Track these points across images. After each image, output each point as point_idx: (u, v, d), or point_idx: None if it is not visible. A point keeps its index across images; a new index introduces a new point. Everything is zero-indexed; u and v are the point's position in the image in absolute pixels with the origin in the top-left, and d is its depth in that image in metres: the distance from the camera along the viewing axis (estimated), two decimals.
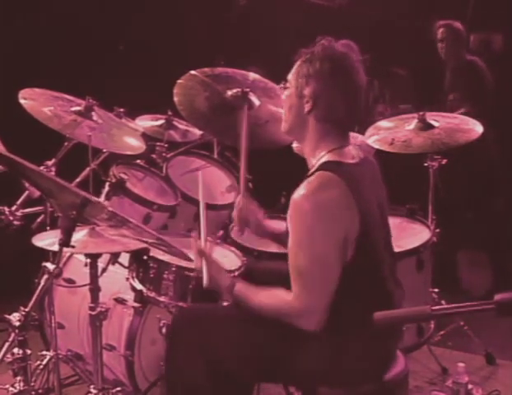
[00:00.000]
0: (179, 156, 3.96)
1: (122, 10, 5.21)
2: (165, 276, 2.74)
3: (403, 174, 4.35)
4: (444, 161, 3.87)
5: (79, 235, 2.62)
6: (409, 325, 3.37)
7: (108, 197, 3.33)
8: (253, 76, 3.76)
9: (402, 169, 4.21)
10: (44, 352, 3.20)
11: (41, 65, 4.66)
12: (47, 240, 2.64)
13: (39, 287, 2.33)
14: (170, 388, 2.58)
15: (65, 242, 2.30)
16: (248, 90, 3.56)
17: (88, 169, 3.30)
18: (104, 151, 3.47)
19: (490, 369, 3.92)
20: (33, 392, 2.60)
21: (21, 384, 2.38)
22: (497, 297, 1.49)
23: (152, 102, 4.17)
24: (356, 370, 2.38)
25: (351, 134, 2.53)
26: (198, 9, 5.39)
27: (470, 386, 2.99)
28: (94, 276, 2.77)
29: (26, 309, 2.33)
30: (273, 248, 3.32)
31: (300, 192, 2.32)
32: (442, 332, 4.01)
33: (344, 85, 2.37)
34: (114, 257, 2.90)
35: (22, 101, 3.16)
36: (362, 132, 3.70)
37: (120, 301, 3.14)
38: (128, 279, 2.87)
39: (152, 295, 2.76)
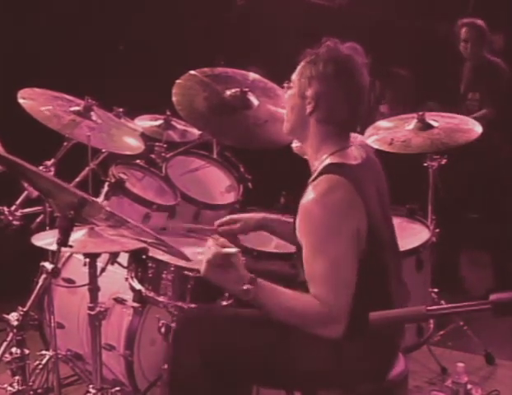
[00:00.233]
0: (178, 156, 3.96)
1: (122, 10, 5.21)
2: (163, 275, 2.73)
3: (403, 174, 4.34)
4: (443, 161, 3.87)
5: (78, 235, 2.62)
6: (409, 325, 3.37)
7: (107, 197, 3.33)
8: (253, 76, 3.77)
9: (401, 170, 4.21)
10: (44, 352, 3.20)
11: (41, 65, 4.65)
12: (46, 240, 2.64)
13: (38, 287, 2.33)
14: (173, 389, 2.58)
15: (63, 242, 2.30)
16: (247, 89, 3.57)
17: (87, 169, 3.30)
18: (104, 150, 3.47)
19: (489, 369, 3.93)
20: (32, 392, 2.60)
21: (20, 384, 2.38)
22: (493, 297, 1.49)
23: (151, 102, 4.17)
24: (357, 371, 2.37)
25: (352, 134, 2.53)
26: (198, 9, 5.39)
27: (469, 386, 2.99)
28: (93, 276, 2.77)
29: (24, 309, 2.33)
30: (273, 248, 3.33)
31: (308, 197, 2.32)
32: (442, 332, 4.01)
33: (347, 88, 2.37)
34: (113, 257, 2.90)
35: (21, 101, 3.16)
36: (362, 132, 3.70)
37: (119, 301, 3.14)
38: (127, 279, 2.87)
39: (151, 294, 2.75)
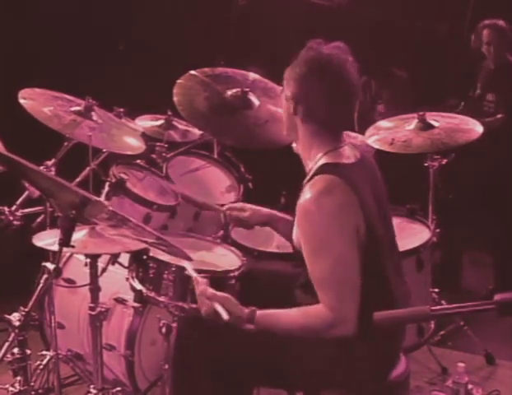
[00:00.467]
0: (178, 156, 3.96)
1: (122, 10, 5.21)
2: (164, 276, 2.73)
3: (403, 174, 4.35)
4: (444, 161, 3.88)
5: (79, 235, 2.62)
6: (409, 325, 3.37)
7: (108, 197, 3.33)
8: (253, 76, 3.77)
9: (402, 170, 4.22)
10: (44, 352, 3.20)
11: (41, 65, 4.65)
12: (47, 240, 2.64)
13: (39, 287, 2.33)
14: (176, 389, 2.58)
15: (65, 242, 2.30)
16: (247, 89, 3.57)
17: (88, 169, 3.31)
18: (104, 150, 3.47)
19: (489, 369, 3.93)
20: (33, 392, 2.61)
21: (21, 384, 2.38)
22: (497, 297, 1.49)
23: (152, 102, 4.17)
24: (359, 371, 2.37)
25: (351, 134, 2.53)
26: (198, 9, 5.39)
27: (470, 386, 2.99)
28: (94, 276, 2.77)
29: (26, 309, 2.33)
30: (273, 248, 3.33)
31: (305, 197, 2.33)
32: (442, 332, 4.02)
33: (324, 87, 2.37)
34: (114, 257, 2.91)
35: (22, 101, 3.16)
36: (362, 132, 3.70)
37: (120, 301, 3.14)
38: (127, 279, 2.87)
39: (152, 294, 2.75)
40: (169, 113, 4.01)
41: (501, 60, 4.84)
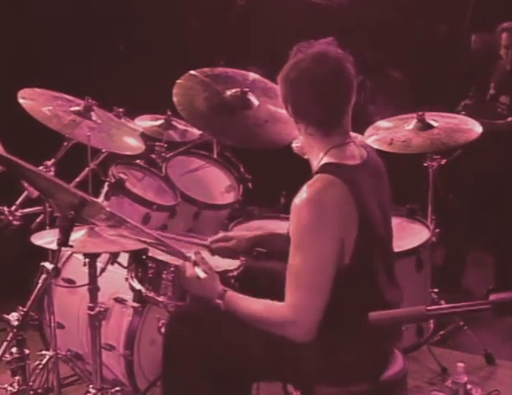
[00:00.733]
0: (178, 156, 3.96)
1: (122, 10, 5.21)
2: (163, 275, 2.74)
3: (403, 174, 4.35)
4: (443, 161, 3.88)
5: (78, 235, 2.62)
6: (409, 325, 3.37)
7: (107, 197, 3.33)
8: (253, 76, 3.77)
9: (401, 170, 4.21)
10: (44, 352, 3.20)
11: (41, 65, 4.65)
12: (46, 239, 2.64)
13: (38, 287, 2.33)
14: (168, 387, 2.58)
15: (63, 242, 2.30)
16: (247, 89, 3.57)
17: (87, 169, 3.30)
18: (104, 151, 3.47)
19: (489, 369, 3.92)
20: (32, 392, 2.61)
21: (20, 384, 2.39)
22: (492, 297, 1.49)
23: (152, 102, 4.17)
24: (351, 369, 2.38)
25: (351, 134, 2.52)
26: (198, 9, 5.39)
27: (469, 386, 2.98)
28: (93, 276, 2.77)
29: (25, 309, 2.33)
30: None
31: (301, 196, 2.33)
32: (442, 332, 4.01)
33: (308, 87, 2.37)
34: (113, 257, 2.91)
35: (21, 101, 3.17)
36: (361, 132, 3.69)
37: (119, 301, 3.14)
38: (127, 279, 2.87)
39: (151, 294, 2.76)
40: (169, 113, 4.01)
41: None
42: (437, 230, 3.76)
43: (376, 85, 5.64)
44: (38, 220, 3.33)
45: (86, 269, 2.77)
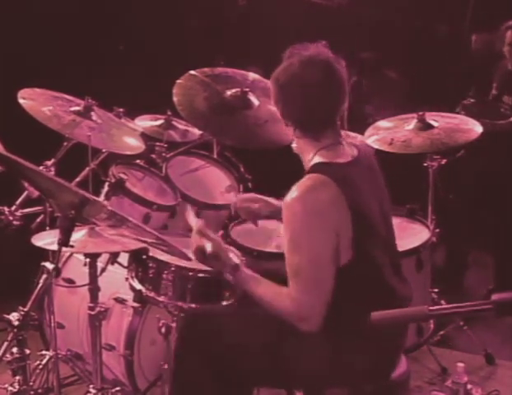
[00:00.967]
0: (178, 156, 3.96)
1: (122, 10, 5.21)
2: (164, 275, 2.74)
3: (403, 174, 4.35)
4: (443, 161, 3.88)
5: (78, 235, 2.62)
6: (409, 325, 3.37)
7: (107, 197, 3.33)
8: (252, 76, 3.77)
9: (401, 170, 4.22)
10: (44, 352, 3.19)
11: (41, 65, 4.65)
12: (46, 240, 2.64)
13: (38, 287, 2.33)
14: (175, 389, 2.58)
15: (64, 241, 2.30)
16: (247, 89, 3.57)
17: (87, 169, 3.30)
18: (104, 150, 3.47)
19: (489, 369, 3.92)
20: (32, 392, 2.61)
21: (20, 384, 2.39)
22: (495, 297, 1.50)
23: (152, 102, 4.17)
24: (359, 370, 2.38)
25: (351, 134, 2.53)
26: (198, 9, 5.39)
27: (469, 386, 2.99)
28: (93, 276, 2.77)
29: (25, 309, 2.33)
30: (272, 247, 3.34)
31: (291, 195, 2.34)
32: (442, 332, 4.01)
33: (295, 92, 2.40)
34: (114, 257, 2.91)
35: (21, 101, 3.16)
36: (358, 131, 3.69)
37: (120, 301, 3.14)
38: (127, 279, 2.87)
39: (151, 294, 2.76)
40: (169, 113, 4.01)
41: None
42: (437, 230, 3.76)
43: (373, 85, 5.64)
44: (38, 220, 3.33)
45: (86, 269, 2.77)
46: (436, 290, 3.84)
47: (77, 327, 3.25)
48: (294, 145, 3.55)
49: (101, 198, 3.34)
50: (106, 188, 3.37)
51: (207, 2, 5.40)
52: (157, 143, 3.86)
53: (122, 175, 3.37)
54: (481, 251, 5.16)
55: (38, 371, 3.13)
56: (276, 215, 2.84)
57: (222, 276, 2.50)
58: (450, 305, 1.57)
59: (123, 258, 2.91)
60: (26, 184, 3.21)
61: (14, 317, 2.33)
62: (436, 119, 3.73)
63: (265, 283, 2.42)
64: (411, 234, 3.63)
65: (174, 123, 4.10)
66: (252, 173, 4.04)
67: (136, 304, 3.02)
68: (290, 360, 2.40)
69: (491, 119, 4.08)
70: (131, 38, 5.29)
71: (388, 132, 3.72)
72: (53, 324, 3.10)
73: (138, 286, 2.79)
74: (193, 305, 2.68)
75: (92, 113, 3.32)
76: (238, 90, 3.58)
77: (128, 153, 3.46)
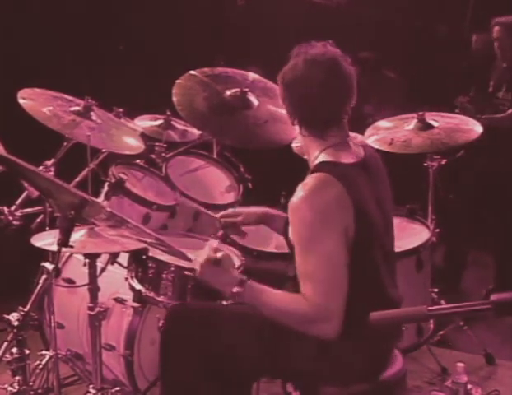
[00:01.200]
0: (178, 156, 3.96)
1: (122, 10, 5.21)
2: (163, 275, 2.74)
3: (403, 174, 4.35)
4: (443, 161, 3.88)
5: (78, 235, 2.62)
6: (409, 325, 3.37)
7: (107, 197, 3.33)
8: (252, 76, 3.77)
9: (401, 170, 4.22)
10: (44, 352, 3.19)
11: (41, 65, 4.66)
12: (46, 240, 2.64)
13: (38, 287, 2.33)
14: (166, 387, 2.58)
15: (63, 242, 2.30)
16: (247, 89, 3.57)
17: (87, 169, 3.31)
18: (104, 150, 3.47)
19: (489, 369, 3.92)
20: (32, 392, 2.61)
21: (20, 384, 2.39)
22: (493, 297, 1.50)
23: (151, 102, 4.17)
24: (352, 369, 2.38)
25: (350, 134, 2.53)
26: (198, 9, 5.39)
27: (469, 386, 2.99)
28: (93, 276, 2.77)
29: (25, 309, 2.33)
30: (272, 248, 3.34)
31: (297, 195, 2.33)
32: (441, 332, 4.01)
33: (300, 92, 2.40)
34: (113, 257, 2.91)
35: (21, 101, 3.17)
36: (358, 131, 3.69)
37: (119, 301, 3.14)
38: (127, 279, 2.87)
39: (151, 294, 2.76)
40: (169, 113, 4.01)
41: None
42: (437, 230, 3.76)
43: (372, 85, 5.64)
44: (38, 220, 3.33)
45: (86, 269, 2.77)
46: (436, 290, 3.83)
47: (77, 327, 3.25)
48: (294, 145, 3.58)
49: (101, 198, 3.34)
50: (106, 188, 3.37)
51: (207, 2, 5.41)
52: (157, 143, 3.86)
53: (122, 175, 3.37)
54: (481, 251, 5.17)
55: (38, 371, 3.13)
56: (262, 221, 2.85)
57: (226, 292, 2.41)
58: (450, 305, 1.57)
59: (123, 258, 2.91)
60: (26, 184, 3.21)
61: (14, 317, 2.33)
62: (436, 119, 3.73)
63: (277, 292, 2.38)
64: (411, 234, 3.63)
65: (173, 123, 4.10)
66: (252, 173, 4.04)
67: (136, 304, 3.01)
68: (284, 357, 2.39)
69: (483, 115, 4.08)
70: (131, 38, 5.29)
71: (388, 132, 3.72)
72: (52, 324, 3.10)
73: (138, 286, 2.79)
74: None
75: (92, 113, 3.32)
76: (238, 90, 3.58)
77: (128, 153, 3.46)
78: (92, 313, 2.77)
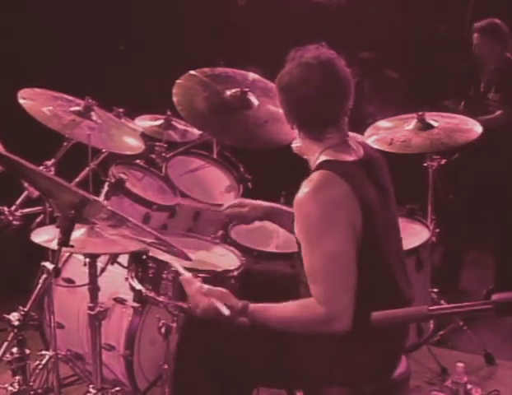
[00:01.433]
0: (178, 156, 3.96)
1: (122, 10, 5.21)
2: (164, 275, 2.73)
3: (403, 174, 4.35)
4: (443, 161, 3.88)
5: (78, 235, 2.62)
6: (409, 325, 3.37)
7: (107, 197, 3.33)
8: (252, 76, 3.77)
9: (401, 170, 4.22)
10: (44, 352, 3.19)
11: (41, 65, 4.65)
12: (45, 236, 2.64)
13: (38, 287, 2.33)
14: (175, 389, 2.58)
15: (64, 241, 2.30)
16: (247, 89, 3.57)
17: (87, 169, 3.30)
18: (104, 150, 3.47)
19: (489, 369, 3.92)
20: (32, 392, 2.61)
21: (20, 384, 2.39)
22: (495, 297, 1.50)
23: (152, 102, 4.17)
24: (360, 370, 2.38)
25: (350, 134, 2.53)
26: (198, 9, 5.39)
27: (469, 386, 2.99)
28: (93, 276, 2.77)
29: (25, 309, 2.33)
30: (272, 248, 3.34)
31: (302, 191, 2.33)
32: (441, 332, 4.01)
33: (296, 96, 2.41)
34: (113, 257, 2.91)
35: (21, 101, 3.16)
36: (359, 131, 3.69)
37: (119, 301, 3.14)
38: (127, 279, 2.87)
39: (151, 294, 2.75)
40: (169, 113, 4.01)
41: (503, 61, 4.81)
42: (437, 230, 3.76)
43: (373, 85, 5.65)
44: (38, 220, 3.33)
45: (86, 269, 2.77)
46: (436, 290, 3.83)
47: (77, 327, 3.25)
48: (294, 145, 3.58)
49: (101, 198, 3.33)
50: (106, 188, 3.36)
51: (207, 2, 5.41)
52: (157, 143, 3.85)
53: (122, 175, 3.37)
54: (481, 251, 5.16)
55: (38, 371, 3.13)
56: (268, 215, 2.86)
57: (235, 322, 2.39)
58: (450, 305, 1.57)
59: (123, 258, 2.91)
60: (26, 184, 3.21)
61: (14, 317, 2.33)
62: (436, 119, 3.73)
63: (283, 304, 2.36)
64: (411, 234, 3.63)
65: (173, 123, 4.09)
66: (252, 173, 4.04)
67: (136, 304, 3.01)
68: (290, 360, 2.39)
69: (476, 116, 4.08)
70: (131, 38, 5.29)
71: (388, 132, 3.72)
72: (53, 324, 3.10)
73: (138, 286, 2.79)
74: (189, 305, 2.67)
75: (92, 113, 3.32)
76: (238, 90, 3.58)
77: (128, 153, 3.46)
78: (92, 313, 2.77)
